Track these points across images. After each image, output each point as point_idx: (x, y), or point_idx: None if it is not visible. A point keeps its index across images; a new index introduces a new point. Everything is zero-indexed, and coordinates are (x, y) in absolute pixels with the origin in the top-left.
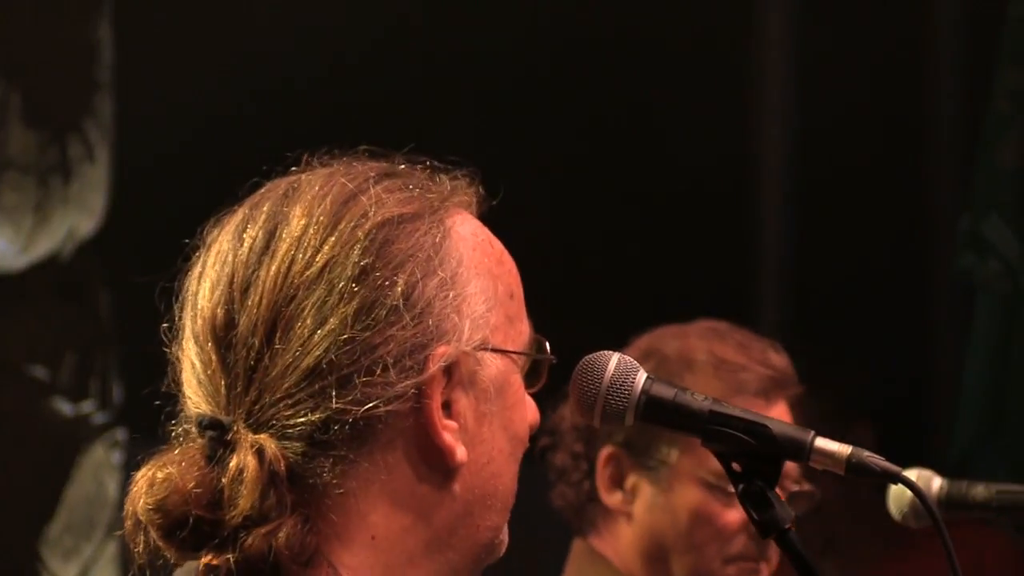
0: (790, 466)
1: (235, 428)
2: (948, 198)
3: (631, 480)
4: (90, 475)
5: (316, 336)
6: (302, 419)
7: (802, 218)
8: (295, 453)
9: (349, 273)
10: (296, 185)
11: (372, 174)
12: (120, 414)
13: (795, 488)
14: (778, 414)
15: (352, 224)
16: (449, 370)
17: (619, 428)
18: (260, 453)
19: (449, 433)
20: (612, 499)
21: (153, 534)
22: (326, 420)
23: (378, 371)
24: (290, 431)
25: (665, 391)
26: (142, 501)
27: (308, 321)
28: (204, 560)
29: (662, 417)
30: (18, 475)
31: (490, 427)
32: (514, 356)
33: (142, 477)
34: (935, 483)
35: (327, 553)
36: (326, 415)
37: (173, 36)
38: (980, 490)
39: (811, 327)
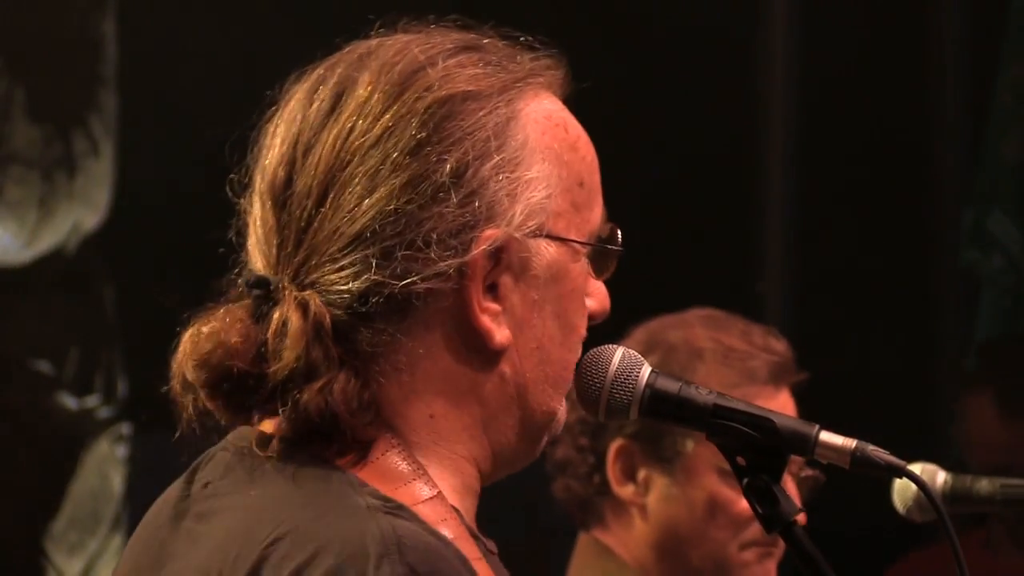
0: None
1: (281, 286)
2: (952, 193)
3: (644, 472)
4: (95, 470)
5: (364, 204)
6: (344, 287)
7: (805, 213)
8: (337, 319)
9: (404, 145)
10: (371, 50)
11: (449, 47)
12: (125, 408)
13: (802, 474)
14: (784, 400)
15: (415, 96)
16: (497, 253)
17: (628, 421)
18: (304, 307)
19: (488, 316)
20: (624, 492)
21: (200, 393)
22: (366, 291)
23: (420, 246)
24: (333, 297)
25: (669, 385)
26: (186, 357)
27: (358, 188)
28: (257, 428)
29: (666, 411)
30: (23, 470)
31: (540, 314)
32: (575, 244)
33: (187, 335)
34: (940, 477)
35: (388, 422)
36: (366, 285)
37: (177, 31)
38: (985, 484)
39: (814, 323)
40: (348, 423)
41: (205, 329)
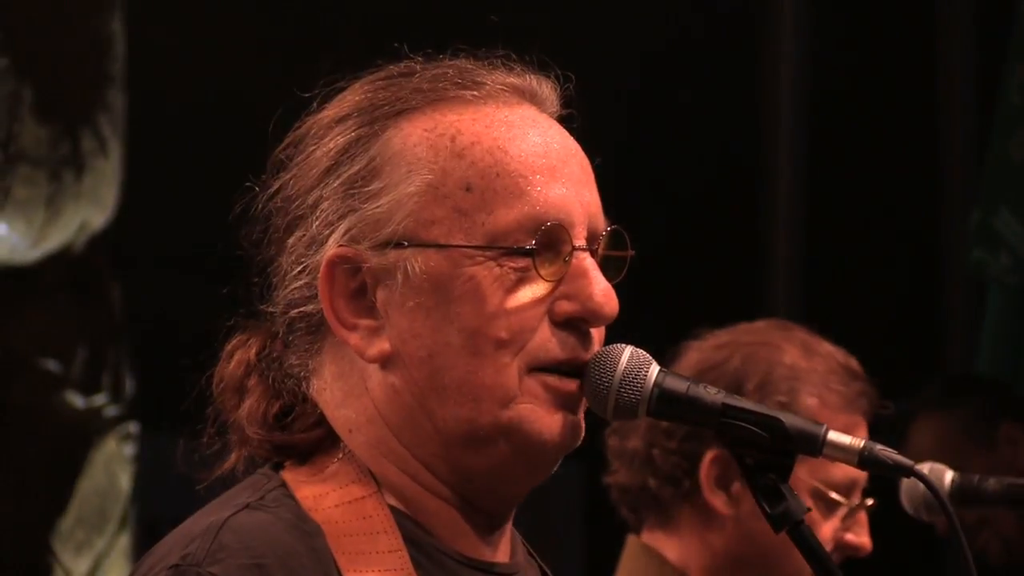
0: (859, 478)
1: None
2: (959, 193)
3: (738, 484)
4: (102, 468)
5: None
6: (268, 317)
7: (813, 212)
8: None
9: (272, 187)
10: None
11: (366, 77)
12: (132, 407)
13: (868, 503)
14: (863, 431)
15: (299, 131)
16: (353, 269)
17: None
18: (246, 338)
19: (360, 332)
20: (716, 500)
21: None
22: (276, 318)
23: (285, 276)
24: (269, 327)
25: (678, 384)
26: None
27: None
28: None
29: (675, 411)
30: (30, 468)
31: (427, 322)
32: (467, 249)
33: None
34: (947, 476)
35: (336, 434)
36: (275, 314)
37: (185, 30)
38: (991, 483)
39: (822, 322)
40: (260, 436)
41: None
